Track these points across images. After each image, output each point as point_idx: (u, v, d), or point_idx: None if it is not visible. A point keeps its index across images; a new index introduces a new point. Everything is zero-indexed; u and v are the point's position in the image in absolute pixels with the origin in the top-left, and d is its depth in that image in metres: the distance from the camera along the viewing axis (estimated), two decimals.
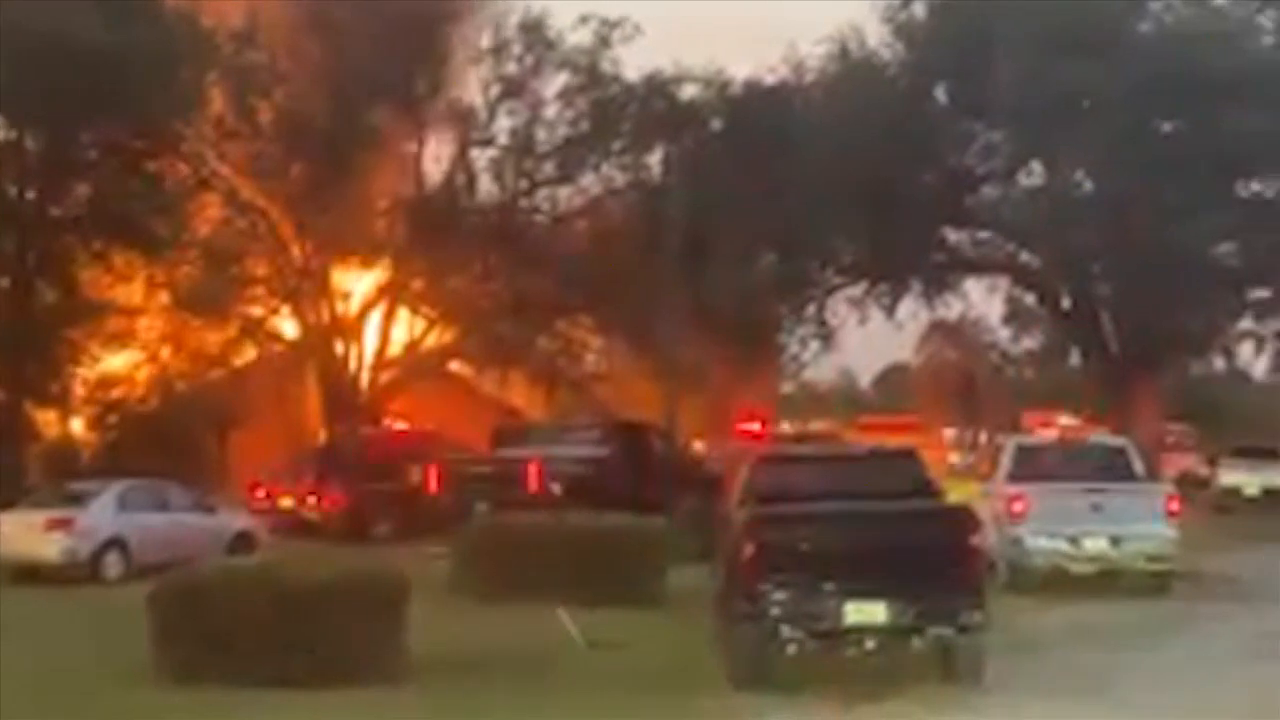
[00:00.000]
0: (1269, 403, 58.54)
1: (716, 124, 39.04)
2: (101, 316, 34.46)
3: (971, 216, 38.48)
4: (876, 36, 37.30)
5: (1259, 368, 46.54)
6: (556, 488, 26.34)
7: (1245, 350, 41.84)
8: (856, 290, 40.08)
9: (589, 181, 39.44)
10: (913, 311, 40.82)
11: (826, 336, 40.81)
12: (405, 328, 39.06)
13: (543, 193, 39.66)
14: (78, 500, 24.71)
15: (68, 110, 31.08)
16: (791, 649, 13.14)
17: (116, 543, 23.85)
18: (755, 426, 26.63)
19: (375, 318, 38.16)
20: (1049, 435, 24.10)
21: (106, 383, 35.26)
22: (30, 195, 33.58)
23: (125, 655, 14.06)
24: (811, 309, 40.23)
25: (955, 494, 18.06)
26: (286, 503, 30.96)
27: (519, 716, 12.53)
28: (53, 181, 33.62)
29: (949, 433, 42.96)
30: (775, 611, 13.02)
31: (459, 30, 37.68)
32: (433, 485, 29.43)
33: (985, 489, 22.26)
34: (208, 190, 36.19)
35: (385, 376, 38.43)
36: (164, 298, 35.28)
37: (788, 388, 50.04)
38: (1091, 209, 34.35)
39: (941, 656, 13.52)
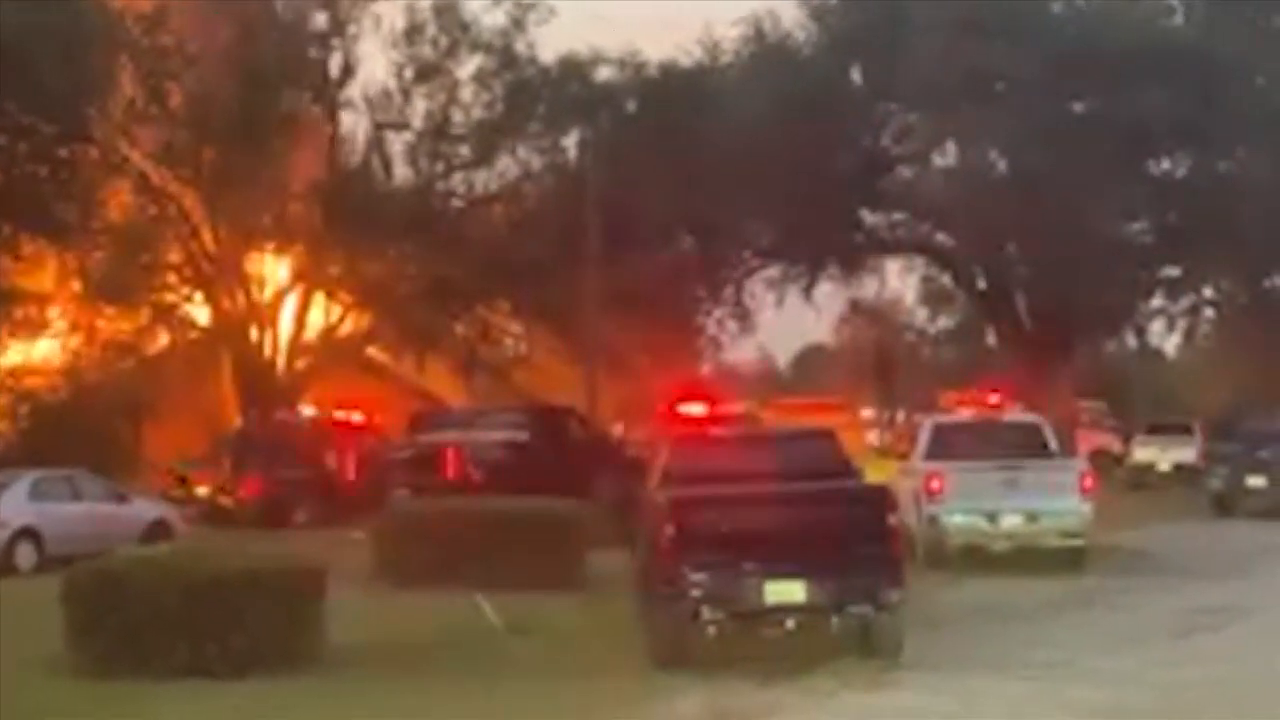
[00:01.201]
0: (1180, 380, 59.52)
1: (632, 106, 39.03)
2: (10, 304, 33.90)
3: (887, 197, 38.78)
4: (791, 19, 37.51)
5: (1170, 345, 47.37)
6: (475, 473, 26.33)
7: (1157, 328, 42.50)
8: (774, 272, 40.28)
9: (505, 165, 39.30)
10: (830, 292, 41.13)
11: (744, 318, 41.02)
12: (321, 313, 38.71)
13: (459, 176, 39.46)
14: None
15: None
16: (712, 630, 13.19)
17: (29, 533, 23.49)
18: (699, 408, 26.55)
19: (291, 304, 37.79)
20: (965, 414, 24.34)
21: (17, 372, 34.71)
22: None
23: (40, 648, 13.85)
24: (729, 291, 40.38)
25: (873, 473, 18.18)
26: (202, 491, 30.64)
27: (438, 703, 12.48)
28: None
29: (867, 413, 43.22)
30: (695, 593, 13.07)
31: (372, 12, 37.37)
32: (350, 471, 29.32)
33: (903, 468, 22.45)
34: (119, 175, 35.63)
35: (302, 363, 38.09)
36: (75, 285, 34.75)
37: (706, 369, 50.17)
38: (1005, 189, 34.73)
39: (860, 634, 13.63)
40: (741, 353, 49.51)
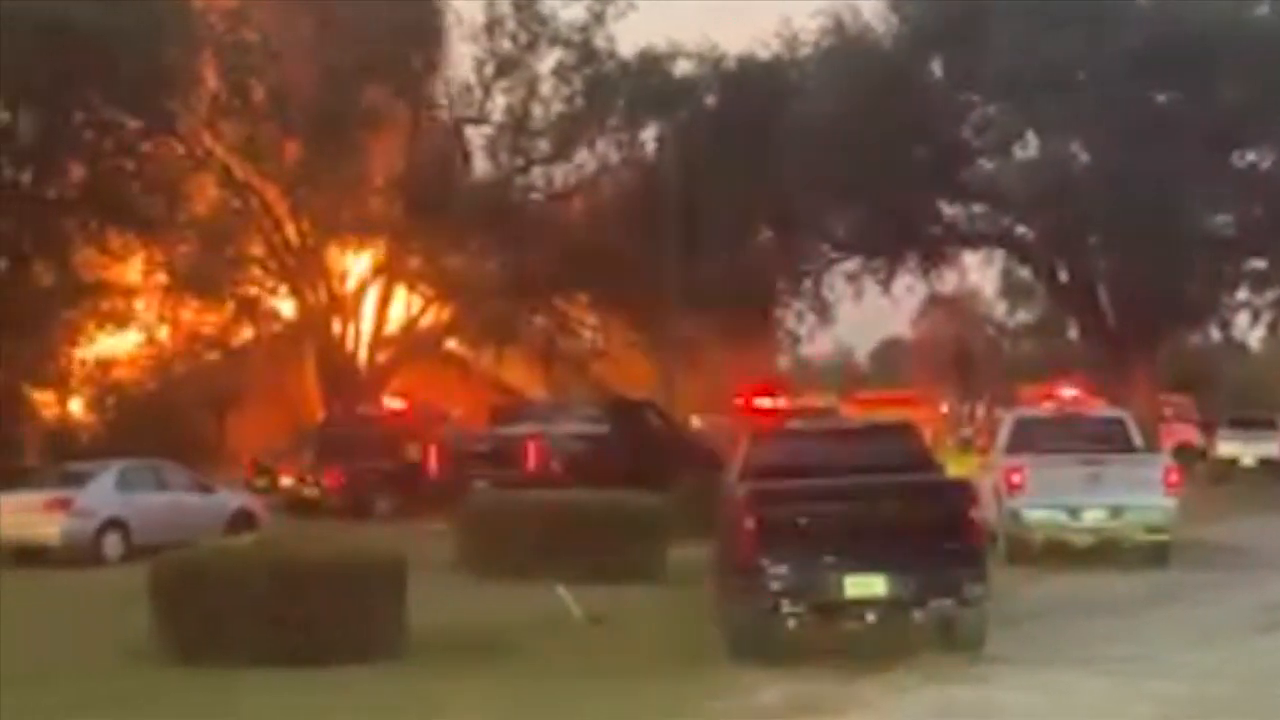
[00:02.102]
0: (1265, 373, 58.61)
1: (711, 100, 38.93)
2: (98, 297, 34.41)
3: (967, 190, 38.36)
4: (871, 10, 37.16)
5: (1255, 338, 46.63)
6: (556, 465, 26.40)
7: (1241, 321, 41.80)
8: (852, 265, 40.01)
9: (584, 159, 39.39)
10: (909, 285, 40.79)
11: (822, 311, 40.78)
12: (402, 306, 39.00)
13: (538, 170, 39.59)
14: (77, 481, 24.67)
15: (61, 90, 31.00)
16: (791, 623, 13.12)
17: (116, 523, 23.82)
18: (770, 402, 26.36)
19: (372, 296, 38.09)
20: (1048, 408, 24.08)
21: (104, 364, 35.20)
22: (25, 177, 33.52)
23: (128, 635, 14.05)
24: (807, 284, 40.17)
25: (954, 468, 18.05)
26: (286, 481, 30.96)
27: (518, 692, 12.51)
28: (47, 162, 33.55)
29: (946, 407, 42.89)
30: (774, 586, 13.00)
31: (453, 7, 37.57)
32: (432, 463, 29.47)
33: (984, 462, 22.24)
34: (203, 170, 36.05)
35: (383, 355, 38.38)
36: (161, 278, 35.22)
37: (784, 363, 50.05)
38: (1087, 181, 34.24)
39: (942, 628, 13.51)
40: (819, 346, 49.29)
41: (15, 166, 33.42)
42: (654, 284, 34.92)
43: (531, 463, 26.92)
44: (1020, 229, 39.63)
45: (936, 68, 37.40)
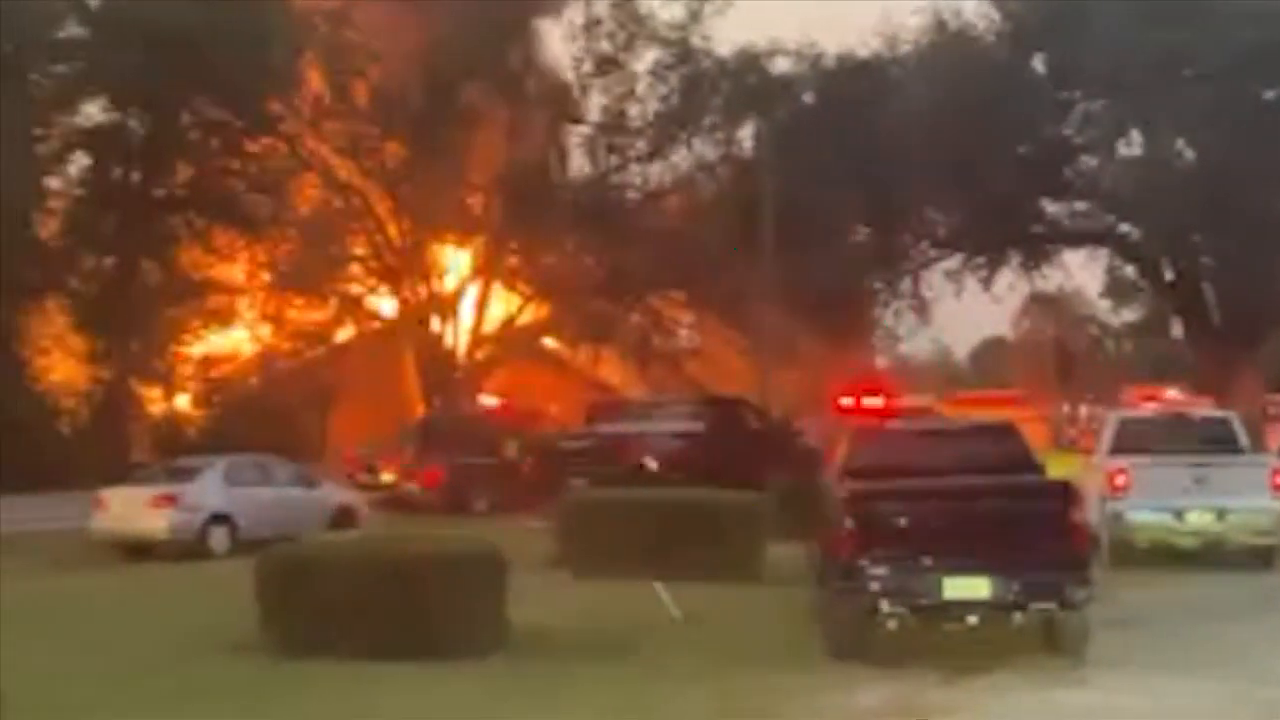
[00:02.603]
0: None
1: (809, 97, 38.81)
2: (204, 295, 35.01)
3: (1070, 187, 37.93)
4: (972, 6, 36.87)
5: None
6: (653, 463, 26.45)
7: None
8: (952, 263, 39.68)
9: (680, 157, 39.46)
10: (1010, 284, 40.36)
11: (922, 310, 40.47)
12: (500, 304, 39.28)
13: (634, 169, 39.70)
14: (184, 476, 25.06)
15: (168, 92, 31.56)
16: (891, 624, 13.07)
17: (223, 517, 24.16)
18: (868, 401, 26.16)
19: (471, 295, 38.39)
20: (1151, 408, 23.74)
21: (210, 360, 35.79)
22: (134, 177, 34.17)
23: (233, 629, 14.27)
24: (906, 282, 39.90)
25: (1056, 469, 17.85)
26: (387, 477, 31.27)
27: (615, 689, 12.57)
28: (156, 163, 34.20)
29: (1047, 407, 42.41)
30: (874, 586, 12.95)
31: (551, 7, 37.74)
32: (529, 460, 29.64)
33: (1087, 463, 21.99)
34: (306, 170, 36.55)
35: (481, 353, 38.68)
36: (265, 276, 35.75)
37: (882, 362, 49.73)
38: (1192, 178, 33.72)
39: (1044, 631, 13.39)
40: (917, 345, 48.94)
41: (124, 167, 34.11)
42: (750, 282, 34.87)
43: (629, 460, 27.00)
44: (1124, 227, 39.09)
45: (1039, 64, 37.01)
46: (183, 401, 36.39)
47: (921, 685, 12.33)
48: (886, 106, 34.76)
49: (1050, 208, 39.23)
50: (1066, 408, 43.98)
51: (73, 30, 33.09)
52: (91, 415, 33.64)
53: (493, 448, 32.03)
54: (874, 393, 33.82)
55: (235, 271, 35.81)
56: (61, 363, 34.18)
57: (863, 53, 38.16)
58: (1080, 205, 39.12)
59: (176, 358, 34.98)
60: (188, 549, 23.45)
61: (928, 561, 12.99)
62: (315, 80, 35.69)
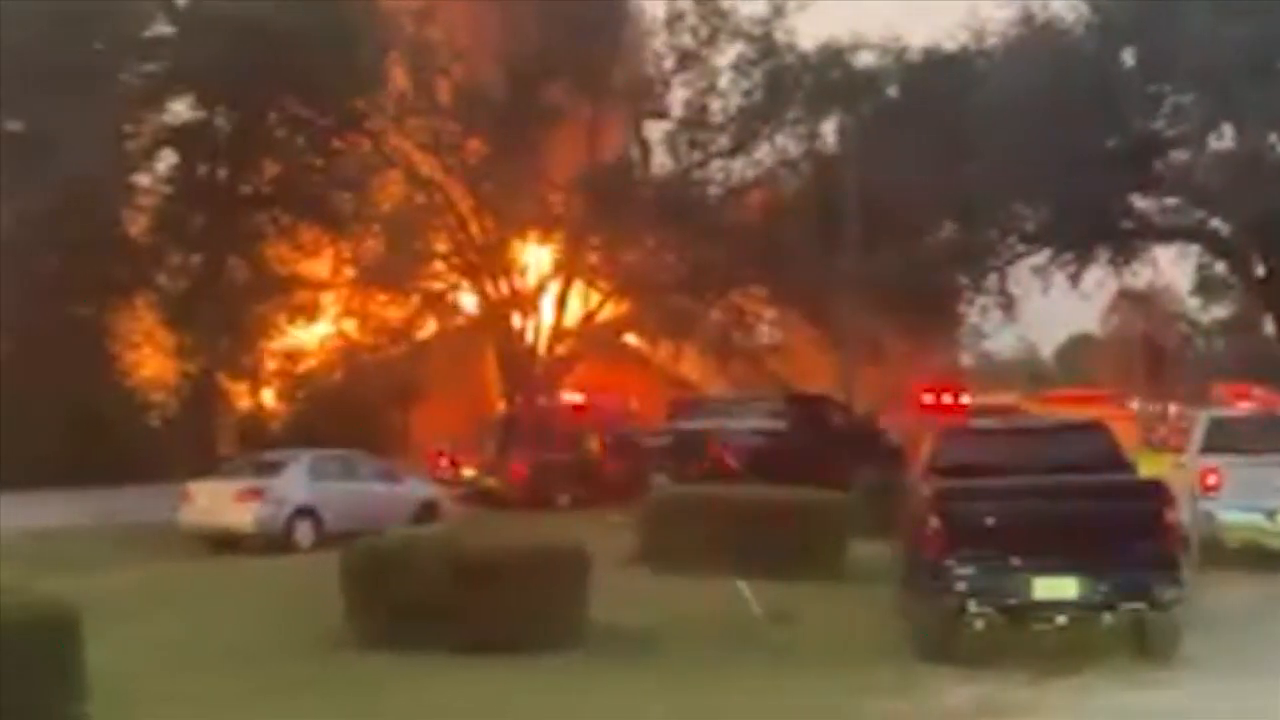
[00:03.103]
0: None
1: (893, 92, 38.54)
2: (289, 291, 35.32)
3: (1160, 182, 37.36)
4: None
5: None
6: (735, 460, 26.41)
7: None
8: (1040, 259, 39.24)
9: (763, 153, 39.26)
10: (1099, 280, 39.85)
11: (1008, 306, 40.05)
12: (581, 300, 39.35)
13: (716, 164, 39.57)
14: (269, 470, 25.38)
15: (254, 89, 31.85)
16: (978, 624, 12.98)
17: (308, 511, 24.44)
18: (952, 399, 26.06)
19: (552, 291, 38.50)
20: (1244, 407, 23.39)
21: (295, 356, 36.11)
22: (221, 174, 34.54)
23: (319, 621, 14.42)
24: (992, 278, 39.51)
25: (1146, 468, 17.64)
26: (469, 472, 31.47)
27: (698, 686, 12.57)
28: (242, 160, 34.52)
29: (1136, 405, 41.89)
30: (961, 586, 12.87)
31: (633, 3, 37.80)
32: (611, 456, 29.70)
33: (1177, 463, 21.70)
34: (390, 166, 36.80)
35: (561, 348, 38.77)
36: (349, 272, 36.04)
37: (967, 359, 49.32)
38: None
39: (1134, 632, 13.24)
40: (1003, 342, 48.47)
41: (211, 164, 34.46)
42: (833, 278, 34.70)
43: (711, 457, 26.98)
44: (1215, 222, 38.46)
45: (1128, 57, 36.47)
46: (268, 396, 36.77)
47: (1008, 685, 12.25)
48: (973, 100, 34.37)
49: (1140, 203, 38.63)
50: (1156, 406, 43.39)
51: (160, 29, 33.48)
52: (179, 410, 34.06)
53: (574, 443, 32.13)
54: (950, 390, 33.64)
55: (320, 267, 36.11)
56: (150, 358, 34.64)
57: (949, 46, 37.79)
58: (1170, 200, 38.51)
59: (262, 353, 35.35)
60: (273, 542, 23.74)
61: (1016, 561, 12.89)
62: (399, 78, 35.91)
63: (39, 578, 13.34)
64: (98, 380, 32.11)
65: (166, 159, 34.95)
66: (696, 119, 38.55)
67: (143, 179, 34.47)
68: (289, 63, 30.46)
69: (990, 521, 13.04)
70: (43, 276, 31.03)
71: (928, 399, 35.60)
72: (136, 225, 34.46)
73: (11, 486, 26.02)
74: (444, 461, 32.06)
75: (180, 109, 34.26)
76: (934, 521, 12.98)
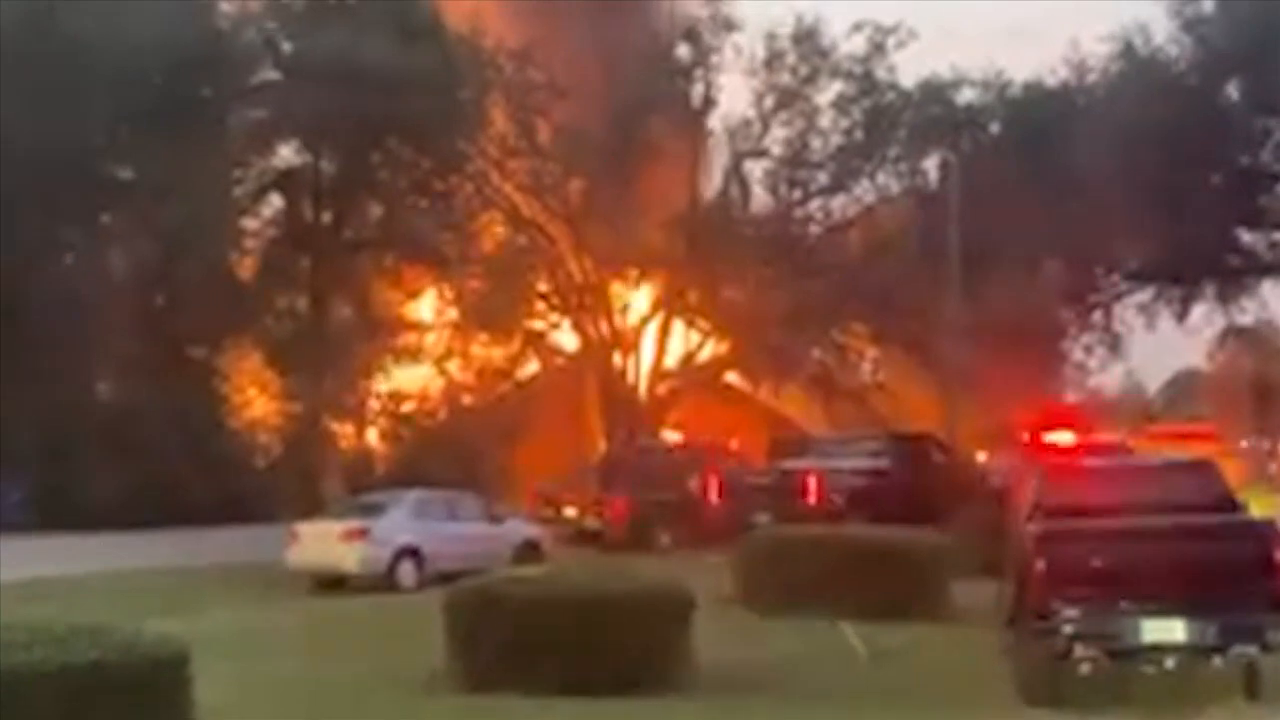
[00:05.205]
0: None
1: (995, 128, 38.41)
2: (393, 332, 35.71)
3: (1266, 216, 36.91)
4: (1163, 32, 36.17)
5: None
6: (837, 500, 26.32)
7: None
8: (1145, 295, 38.85)
9: (863, 190, 39.26)
10: (1206, 316, 39.35)
11: (1112, 343, 39.67)
12: (681, 340, 39.47)
13: (816, 202, 39.64)
14: (373, 510, 25.59)
15: (358, 133, 32.32)
16: (1085, 668, 12.84)
17: (411, 551, 24.58)
18: (1059, 437, 25.80)
19: (652, 330, 38.65)
20: None
21: (398, 396, 36.42)
22: (325, 217, 35.03)
23: (423, 661, 14.55)
24: (1097, 315, 39.16)
25: (1256, 508, 17.34)
26: (570, 512, 31.53)
27: None
28: (346, 203, 35.00)
29: (1246, 443, 41.16)
30: (1068, 629, 12.74)
31: (733, 42, 37.96)
32: (713, 496, 29.71)
33: None
34: (491, 208, 37.20)
35: (662, 388, 38.89)
36: (451, 314, 36.40)
37: (1071, 396, 48.76)
38: None
39: (1245, 676, 13.03)
40: (1108, 379, 47.88)
41: (316, 207, 34.94)
42: (935, 315, 34.53)
43: (812, 497, 26.91)
44: None
45: (1233, 90, 36.13)
46: (373, 437, 37.12)
47: None
48: (1075, 136, 34.22)
49: (1246, 237, 38.21)
50: (1265, 443, 42.58)
51: (267, 74, 34.13)
52: (286, 451, 34.49)
53: (675, 483, 32.11)
54: (1064, 427, 33.19)
55: (423, 309, 36.55)
56: (257, 399, 35.20)
57: (1050, 81, 37.74)
58: (1278, 235, 38.05)
59: (366, 394, 35.73)
60: (377, 582, 23.95)
61: (1124, 603, 12.75)
62: (500, 119, 36.35)
63: (149, 617, 13.64)
64: (207, 422, 32.65)
65: (272, 203, 35.58)
66: (796, 157, 38.61)
67: (250, 223, 35.08)
68: (391, 106, 30.89)
69: (1097, 563, 12.92)
70: (153, 319, 31.68)
71: (1033, 437, 35.17)
72: (243, 268, 35.04)
73: (123, 526, 26.61)
74: (546, 501, 32.18)
75: (286, 153, 34.90)
76: (1040, 563, 12.88)
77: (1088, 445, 23.01)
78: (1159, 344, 41.31)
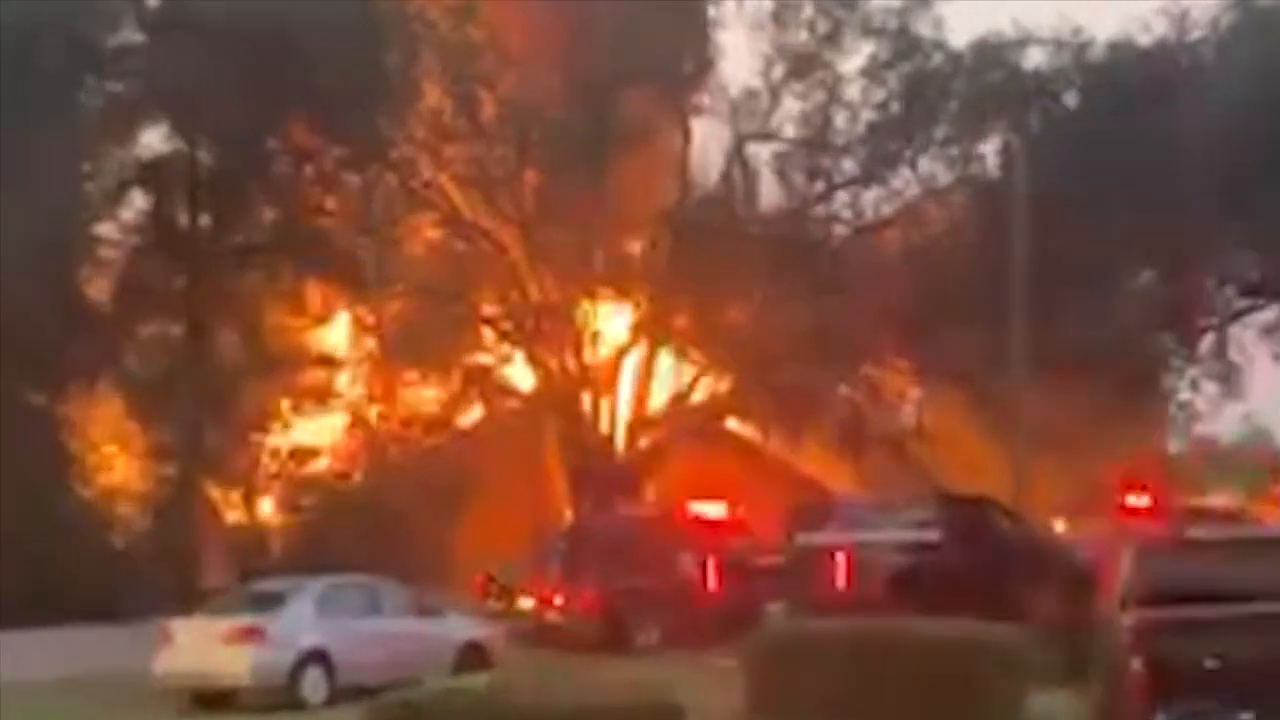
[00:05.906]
0: None
1: (1072, 99, 38.63)
2: (292, 370, 35.67)
3: None
4: None
5: None
6: (874, 583, 26.41)
7: None
8: (1270, 314, 39.11)
9: (902, 181, 39.38)
10: None
11: (1227, 378, 39.87)
12: (669, 376, 39.51)
13: (842, 196, 39.75)
14: (269, 603, 25.61)
15: (246, 112, 32.21)
16: None
17: (318, 656, 24.63)
18: (1155, 502, 25.94)
19: (631, 364, 38.68)
20: None
21: (300, 453, 36.34)
22: (203, 221, 34.93)
23: None
24: (1208, 341, 39.39)
25: None
26: (526, 603, 31.58)
27: None
28: (231, 202, 34.91)
29: None
30: None
31: None
32: (712, 580, 29.77)
33: None
34: (422, 207, 37.21)
35: (645, 439, 38.91)
36: (369, 344, 36.42)
37: (1175, 447, 49.02)
38: None
39: None
40: (1224, 424, 48.13)
41: (191, 208, 34.73)
42: (996, 343, 34.64)
43: (842, 580, 27.01)
44: None
45: None
46: (267, 506, 37.03)
47: None
48: (1176, 109, 34.45)
49: None
50: None
51: (127, 35, 34.02)
52: (153, 525, 34.32)
53: (662, 563, 32.16)
54: (1161, 489, 33.46)
55: (333, 338, 36.56)
56: (116, 458, 35.06)
57: (1143, 40, 37.93)
58: None
59: (259, 450, 35.62)
60: (275, 696, 23.92)
61: (1243, 714, 12.86)
62: (433, 92, 36.38)
63: None
64: (51, 490, 32.47)
65: (135, 203, 35.48)
66: (815, 139, 38.74)
67: (105, 228, 34.98)
68: (290, 75, 30.93)
69: (1209, 664, 13.03)
70: None
71: (1131, 501, 35.35)
72: (96, 288, 34.87)
73: None
74: (494, 589, 32.20)
75: (152, 139, 34.82)
76: (1137, 664, 13.00)
77: (1196, 511, 23.17)
78: None
